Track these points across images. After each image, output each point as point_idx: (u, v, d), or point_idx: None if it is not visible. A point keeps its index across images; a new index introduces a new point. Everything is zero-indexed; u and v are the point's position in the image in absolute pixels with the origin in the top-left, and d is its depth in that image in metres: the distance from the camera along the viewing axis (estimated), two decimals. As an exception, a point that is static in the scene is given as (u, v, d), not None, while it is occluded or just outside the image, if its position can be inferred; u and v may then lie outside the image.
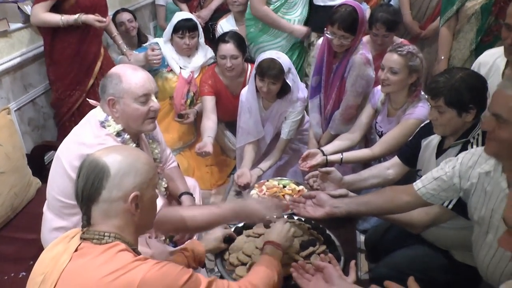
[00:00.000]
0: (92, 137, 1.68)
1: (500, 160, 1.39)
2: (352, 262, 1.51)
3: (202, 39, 3.23)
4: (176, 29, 3.08)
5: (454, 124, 1.78)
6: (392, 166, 2.12)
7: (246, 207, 1.65)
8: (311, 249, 1.71)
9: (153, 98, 1.75)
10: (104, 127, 1.69)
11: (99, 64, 2.98)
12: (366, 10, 3.56)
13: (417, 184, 1.65)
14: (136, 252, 1.23)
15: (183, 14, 3.28)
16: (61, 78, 2.91)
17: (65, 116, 3.00)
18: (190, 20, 3.11)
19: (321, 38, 2.58)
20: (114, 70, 1.74)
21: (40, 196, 2.31)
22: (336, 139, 2.52)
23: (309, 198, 1.78)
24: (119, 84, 1.67)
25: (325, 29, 2.40)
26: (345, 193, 1.88)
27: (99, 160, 1.19)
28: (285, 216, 1.96)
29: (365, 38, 3.03)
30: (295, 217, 1.96)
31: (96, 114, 1.74)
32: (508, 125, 1.27)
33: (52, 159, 1.83)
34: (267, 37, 3.29)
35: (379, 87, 2.37)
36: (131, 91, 1.66)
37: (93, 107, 1.83)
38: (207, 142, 2.70)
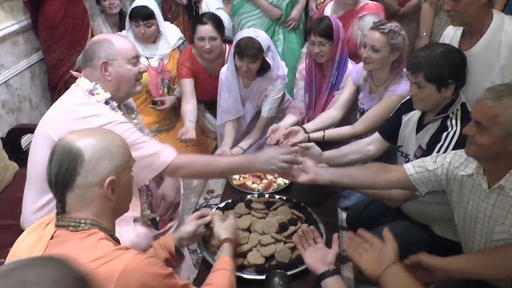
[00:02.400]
0: (81, 103, 1.69)
1: (480, 162, 1.50)
2: (335, 235, 1.52)
3: (162, 28, 3.01)
4: (131, 16, 2.93)
5: (433, 99, 1.79)
6: (372, 142, 2.12)
7: (257, 162, 1.80)
8: (292, 228, 1.71)
9: (141, 60, 1.86)
10: (92, 94, 1.71)
11: (90, 30, 3.26)
12: None
13: (409, 169, 1.67)
14: (114, 239, 1.21)
15: None
16: (59, 40, 3.13)
17: (61, 80, 3.17)
18: (146, 7, 2.88)
19: (303, 64, 2.71)
20: (100, 37, 1.80)
21: (17, 181, 2.24)
22: (317, 116, 2.51)
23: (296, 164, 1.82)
24: (111, 47, 1.72)
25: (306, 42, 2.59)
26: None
27: (72, 145, 1.15)
28: (267, 195, 1.96)
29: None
30: (277, 196, 1.96)
31: (81, 84, 1.73)
32: (487, 132, 1.38)
33: (30, 142, 1.79)
34: (248, 7, 3.29)
35: (361, 64, 2.36)
36: (124, 52, 1.74)
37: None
38: (189, 128, 2.65)
